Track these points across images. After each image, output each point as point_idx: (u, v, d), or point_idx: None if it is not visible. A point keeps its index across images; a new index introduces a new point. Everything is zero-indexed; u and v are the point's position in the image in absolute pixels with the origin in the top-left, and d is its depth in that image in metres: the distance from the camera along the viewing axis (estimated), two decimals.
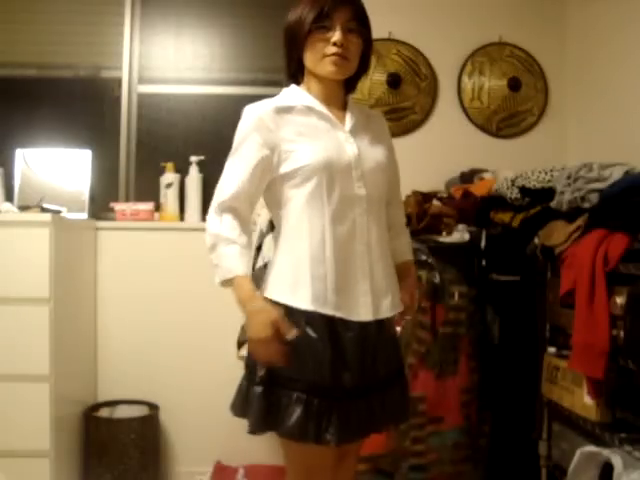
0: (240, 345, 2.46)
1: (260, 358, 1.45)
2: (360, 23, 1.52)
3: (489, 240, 2.49)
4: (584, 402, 1.98)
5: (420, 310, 2.36)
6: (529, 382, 2.31)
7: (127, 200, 3.01)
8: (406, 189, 2.58)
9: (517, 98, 3.06)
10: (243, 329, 2.49)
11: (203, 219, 2.90)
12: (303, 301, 1.46)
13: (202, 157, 2.93)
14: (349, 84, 1.62)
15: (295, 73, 1.60)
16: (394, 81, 3.01)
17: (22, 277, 2.30)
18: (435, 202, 2.65)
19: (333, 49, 1.48)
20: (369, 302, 1.51)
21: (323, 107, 1.55)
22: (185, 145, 3.04)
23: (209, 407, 2.69)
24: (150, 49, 3.09)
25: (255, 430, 1.47)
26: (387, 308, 1.56)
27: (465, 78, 3.06)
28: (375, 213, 1.55)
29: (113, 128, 3.04)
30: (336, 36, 1.48)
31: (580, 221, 2.00)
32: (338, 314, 1.47)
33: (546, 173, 2.20)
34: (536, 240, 2.22)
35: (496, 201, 2.43)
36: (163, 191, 2.92)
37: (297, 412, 1.42)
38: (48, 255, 2.30)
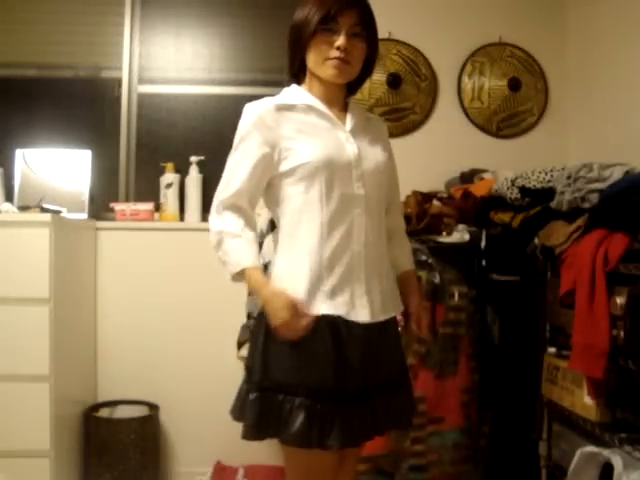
0: (240, 345, 2.46)
1: (289, 337, 1.43)
2: (366, 28, 1.52)
3: (489, 240, 2.49)
4: (584, 402, 1.98)
5: None
6: (529, 382, 2.31)
7: (127, 200, 3.01)
8: (406, 189, 2.58)
9: (517, 98, 3.06)
10: (243, 329, 2.49)
11: (203, 219, 2.91)
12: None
13: (202, 157, 2.93)
14: (351, 87, 1.62)
15: (297, 72, 1.60)
16: (394, 81, 3.01)
17: (22, 277, 2.30)
18: (435, 202, 2.65)
19: (336, 53, 1.48)
20: (367, 303, 1.50)
21: (324, 107, 1.55)
22: (185, 145, 3.04)
23: (209, 407, 2.69)
24: (150, 49, 3.09)
25: (248, 436, 1.46)
26: (385, 310, 1.55)
27: (465, 78, 3.06)
28: (374, 214, 1.54)
29: (113, 128, 3.03)
30: (340, 40, 1.47)
31: (580, 221, 2.00)
32: (336, 314, 1.46)
33: (546, 173, 2.20)
34: (536, 240, 2.22)
35: (496, 201, 2.43)
36: (163, 191, 2.92)
37: (300, 418, 1.40)
38: (48, 255, 2.30)
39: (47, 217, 2.34)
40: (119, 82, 3.04)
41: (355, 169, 1.51)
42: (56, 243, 2.33)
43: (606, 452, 1.81)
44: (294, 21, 1.54)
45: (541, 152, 2.99)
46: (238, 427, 1.49)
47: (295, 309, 1.41)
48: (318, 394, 1.42)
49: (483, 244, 2.49)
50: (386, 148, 1.64)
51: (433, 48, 3.04)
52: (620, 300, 1.78)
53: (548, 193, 2.17)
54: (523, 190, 2.26)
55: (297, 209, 1.50)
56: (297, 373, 1.43)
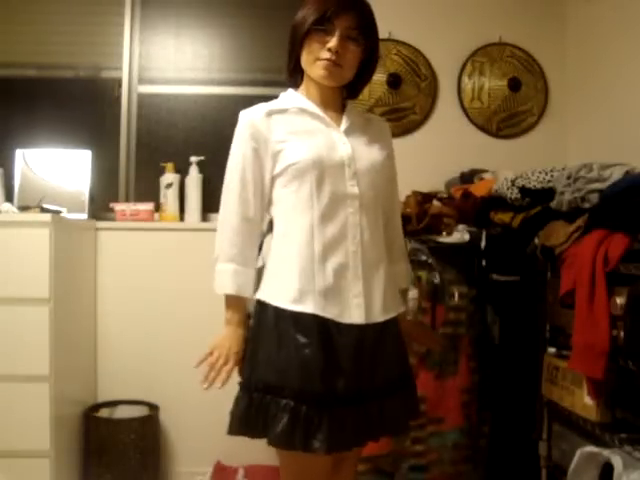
0: None
1: (211, 370, 1.54)
2: (363, 32, 1.50)
3: (489, 240, 2.48)
4: (584, 402, 1.98)
5: (420, 310, 2.36)
6: (529, 382, 2.31)
7: (127, 200, 3.01)
8: (406, 189, 2.58)
9: (517, 98, 3.06)
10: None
11: (203, 219, 2.92)
12: (290, 302, 1.45)
13: (202, 157, 2.93)
14: (351, 90, 1.61)
15: (294, 73, 1.59)
16: (394, 81, 3.01)
17: (22, 277, 2.30)
18: (435, 202, 2.65)
19: (327, 54, 1.47)
20: (362, 304, 1.48)
21: (318, 109, 1.55)
22: (185, 145, 3.04)
23: (209, 407, 2.68)
24: (150, 49, 3.09)
25: (232, 431, 1.47)
26: (385, 310, 1.54)
27: (465, 78, 3.06)
28: (370, 213, 1.53)
29: (113, 128, 3.04)
30: (332, 42, 1.46)
31: (580, 221, 2.00)
32: (327, 315, 1.45)
33: (546, 173, 2.20)
34: (536, 240, 2.21)
35: (496, 201, 2.42)
36: (163, 191, 2.92)
37: (284, 419, 1.40)
38: (48, 255, 2.30)
39: (47, 217, 2.34)
40: (119, 82, 3.04)
41: (348, 168, 1.50)
42: (56, 243, 2.33)
43: (606, 452, 1.81)
44: (294, 20, 1.54)
45: (541, 152, 2.99)
46: None
47: (227, 360, 1.52)
48: (304, 396, 1.41)
49: (483, 244, 2.49)
50: (385, 149, 1.62)
51: (433, 48, 3.04)
52: (620, 300, 1.77)
53: (548, 193, 2.17)
54: (523, 190, 2.26)
55: (289, 209, 1.51)
56: (283, 374, 1.43)
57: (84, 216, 2.82)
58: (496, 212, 2.43)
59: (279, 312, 1.46)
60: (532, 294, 2.32)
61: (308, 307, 1.45)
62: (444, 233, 2.52)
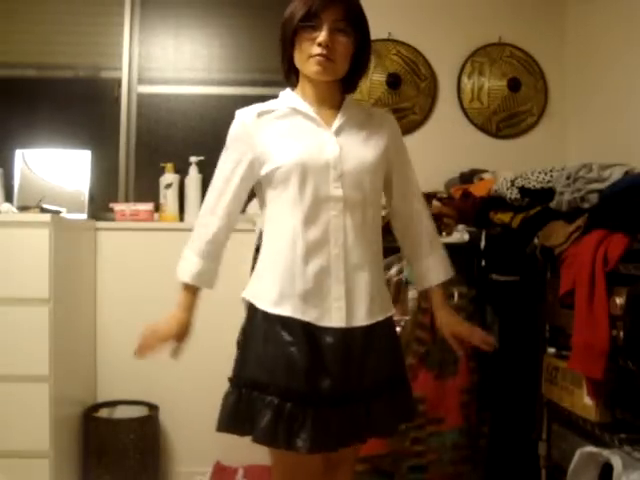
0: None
1: (141, 340, 1.67)
2: (351, 23, 1.48)
3: (489, 240, 2.48)
4: (584, 402, 1.98)
5: (420, 310, 2.37)
6: (529, 382, 2.31)
7: (127, 200, 3.01)
8: None
9: (517, 98, 3.06)
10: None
11: None
12: (270, 305, 1.47)
13: (202, 157, 2.92)
14: (347, 84, 1.59)
15: (288, 73, 1.58)
16: (394, 81, 3.01)
17: (22, 277, 2.30)
18: (435, 202, 2.65)
19: (317, 49, 1.45)
20: (342, 307, 1.47)
21: (310, 108, 1.54)
22: (185, 145, 3.04)
23: (209, 407, 2.67)
24: (150, 50, 3.09)
25: (220, 428, 1.50)
26: (371, 314, 1.51)
27: (465, 78, 3.06)
28: (356, 215, 1.50)
29: (113, 128, 3.04)
30: (321, 37, 1.45)
31: (580, 221, 2.00)
32: (306, 318, 1.45)
33: (546, 173, 2.20)
34: (536, 240, 2.21)
35: (496, 201, 2.42)
36: (163, 191, 2.92)
37: (267, 416, 1.41)
38: (48, 255, 2.30)
39: (47, 217, 2.34)
40: (119, 82, 3.04)
41: (334, 169, 1.48)
42: (56, 243, 2.33)
43: (606, 452, 1.81)
44: (282, 20, 1.53)
45: (541, 152, 2.99)
46: None
47: (155, 336, 1.69)
48: (289, 394, 1.42)
49: (483, 244, 2.49)
50: (388, 145, 1.58)
51: (433, 48, 3.04)
52: (620, 300, 1.77)
53: (548, 193, 2.17)
54: (523, 190, 2.26)
55: (276, 211, 1.52)
56: (269, 372, 1.44)
57: (84, 216, 2.82)
58: (496, 212, 2.43)
59: (264, 312, 1.49)
60: (532, 294, 2.32)
61: (287, 310, 1.46)
62: (444, 233, 2.52)
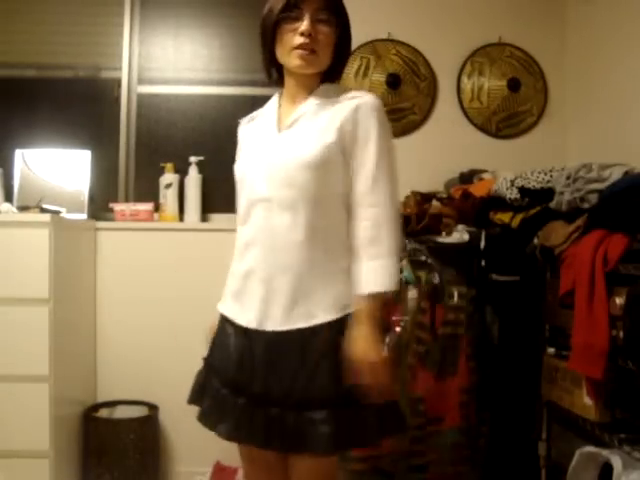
0: None
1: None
2: (332, 12, 1.46)
3: (488, 240, 2.48)
4: (583, 402, 1.98)
5: (420, 310, 2.36)
6: (528, 382, 2.31)
7: (127, 200, 3.01)
8: (405, 189, 2.59)
9: (517, 98, 3.06)
10: None
11: (203, 219, 2.92)
12: (221, 301, 1.60)
13: (202, 157, 2.93)
14: (330, 74, 1.54)
15: (269, 70, 1.56)
16: (393, 81, 3.01)
17: (22, 277, 2.30)
18: (434, 202, 2.65)
19: (300, 39, 1.43)
20: (256, 309, 1.44)
21: (277, 107, 1.55)
22: (185, 145, 3.04)
23: None
24: (149, 50, 3.09)
25: (189, 400, 1.59)
26: (285, 319, 1.41)
27: (464, 78, 3.06)
28: (286, 215, 1.41)
29: (113, 128, 3.04)
30: (303, 26, 1.42)
31: (579, 221, 2.00)
32: (230, 315, 1.53)
33: (545, 173, 2.20)
34: (535, 240, 2.22)
35: (495, 201, 2.43)
36: (163, 191, 2.92)
37: (208, 399, 1.52)
38: (47, 256, 2.30)
39: (47, 217, 2.34)
40: (119, 82, 3.04)
41: (265, 169, 1.46)
42: (56, 243, 2.33)
43: (605, 452, 1.81)
44: (262, 14, 1.51)
45: (540, 152, 2.99)
46: None
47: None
48: (226, 382, 1.49)
49: (482, 244, 2.49)
50: (338, 131, 1.42)
51: (432, 48, 3.04)
52: (619, 300, 1.78)
53: (547, 193, 2.17)
54: (522, 190, 2.26)
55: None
56: (217, 359, 1.54)
57: (84, 216, 2.82)
58: (495, 212, 2.43)
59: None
60: (531, 294, 2.32)
61: (223, 307, 1.58)
62: (443, 233, 2.53)
